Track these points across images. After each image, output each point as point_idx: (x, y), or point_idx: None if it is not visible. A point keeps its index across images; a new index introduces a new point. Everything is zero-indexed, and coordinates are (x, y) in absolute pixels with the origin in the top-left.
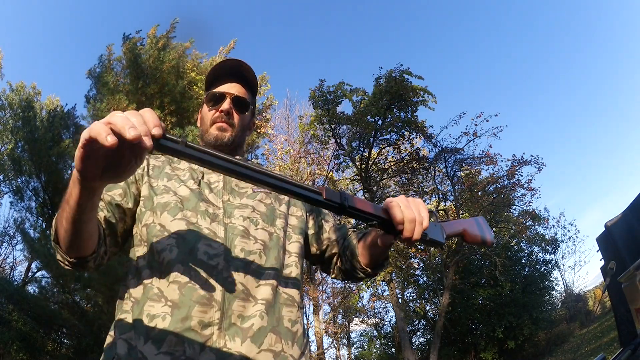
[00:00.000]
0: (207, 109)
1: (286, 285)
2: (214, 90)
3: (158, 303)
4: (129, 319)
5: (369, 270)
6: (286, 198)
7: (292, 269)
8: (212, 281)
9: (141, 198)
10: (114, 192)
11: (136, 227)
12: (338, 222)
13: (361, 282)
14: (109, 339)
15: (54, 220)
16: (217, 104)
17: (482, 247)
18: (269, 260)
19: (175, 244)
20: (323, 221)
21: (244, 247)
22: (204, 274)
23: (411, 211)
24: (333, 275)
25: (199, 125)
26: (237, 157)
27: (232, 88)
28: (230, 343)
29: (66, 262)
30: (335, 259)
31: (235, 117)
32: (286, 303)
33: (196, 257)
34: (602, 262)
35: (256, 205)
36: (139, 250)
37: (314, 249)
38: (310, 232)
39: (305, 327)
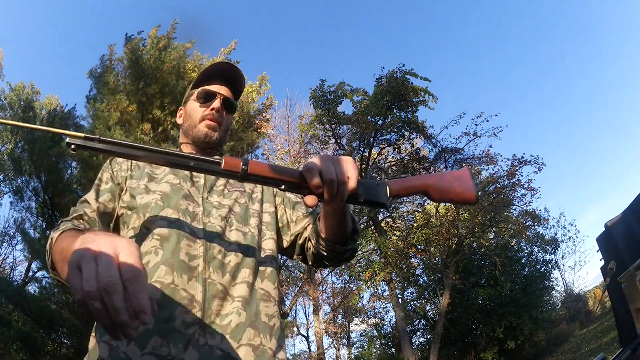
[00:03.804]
0: (197, 104)
1: (262, 281)
2: (207, 88)
3: None
4: None
5: (333, 245)
6: (259, 195)
7: (267, 266)
8: (193, 282)
9: (125, 202)
10: (103, 199)
11: (122, 231)
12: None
13: (361, 282)
14: (91, 342)
15: (50, 250)
16: (208, 101)
17: (465, 205)
18: (245, 260)
19: (159, 245)
20: (293, 212)
21: (222, 249)
22: (185, 276)
23: (331, 171)
24: (310, 263)
25: (182, 121)
26: (217, 157)
27: (221, 89)
28: (211, 340)
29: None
30: (307, 244)
31: (224, 117)
32: (263, 298)
33: (178, 258)
34: (602, 262)
35: (232, 206)
36: None
37: (285, 242)
38: (280, 225)
39: (282, 321)
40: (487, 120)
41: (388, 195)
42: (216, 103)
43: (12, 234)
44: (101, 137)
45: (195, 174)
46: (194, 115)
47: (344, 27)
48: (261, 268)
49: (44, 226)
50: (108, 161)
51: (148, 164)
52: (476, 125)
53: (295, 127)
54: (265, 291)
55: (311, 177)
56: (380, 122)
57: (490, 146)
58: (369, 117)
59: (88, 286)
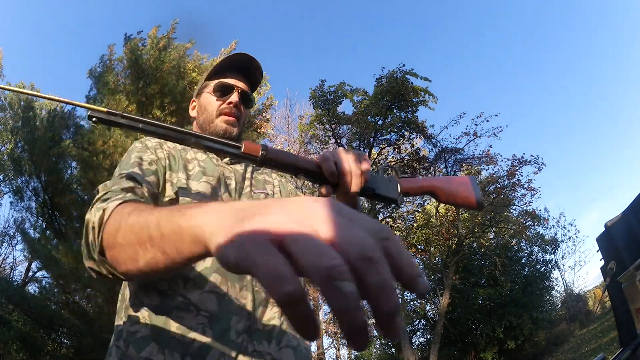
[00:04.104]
0: (214, 98)
1: None
2: (225, 81)
3: (188, 314)
4: (146, 332)
5: None
6: (279, 197)
7: None
8: (244, 292)
9: (167, 196)
10: (151, 179)
11: None
12: None
13: None
14: (115, 354)
15: (101, 228)
16: (225, 95)
17: (470, 209)
18: None
19: None
20: None
21: None
22: (237, 285)
23: (346, 163)
24: None
25: (195, 114)
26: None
27: (238, 83)
28: (259, 346)
29: (111, 277)
30: None
31: (242, 111)
32: None
33: None
34: (602, 262)
35: None
36: None
37: None
38: None
39: None
40: (487, 120)
41: (399, 191)
42: (234, 97)
43: (12, 234)
44: (123, 114)
45: (226, 175)
46: (210, 108)
47: (344, 27)
48: None
49: (44, 226)
50: (142, 142)
51: (179, 155)
52: (476, 125)
53: (295, 127)
54: None
55: (327, 166)
56: (380, 122)
57: (490, 146)
58: (369, 117)
59: (329, 259)
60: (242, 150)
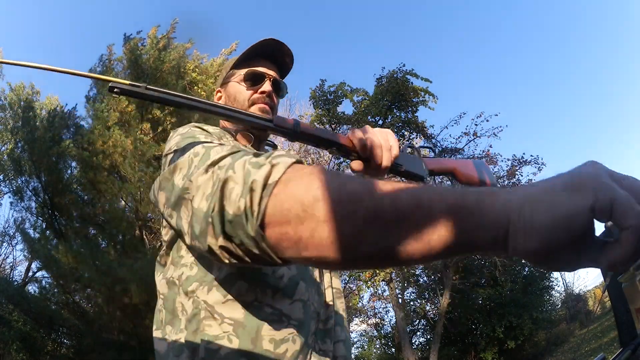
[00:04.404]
0: (244, 87)
1: (334, 280)
2: (256, 69)
3: (280, 324)
4: (232, 348)
5: None
6: None
7: None
8: (316, 295)
9: None
10: None
11: None
12: None
13: (362, 282)
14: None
15: (274, 196)
16: (257, 84)
17: None
18: None
19: None
20: None
21: None
22: (313, 289)
23: (377, 138)
24: None
25: (224, 102)
26: (266, 145)
27: (269, 71)
28: (323, 345)
29: (248, 261)
30: None
31: (275, 100)
32: (337, 296)
33: (308, 270)
34: None
35: None
36: None
37: None
38: None
39: None
40: (487, 120)
41: (424, 169)
42: (266, 86)
43: (12, 234)
44: (147, 86)
45: None
46: (241, 98)
47: (345, 27)
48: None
49: (44, 226)
50: (200, 127)
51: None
52: (476, 125)
53: None
54: (337, 289)
55: (358, 140)
56: (380, 122)
57: (490, 146)
58: (369, 117)
59: None
60: (274, 123)
